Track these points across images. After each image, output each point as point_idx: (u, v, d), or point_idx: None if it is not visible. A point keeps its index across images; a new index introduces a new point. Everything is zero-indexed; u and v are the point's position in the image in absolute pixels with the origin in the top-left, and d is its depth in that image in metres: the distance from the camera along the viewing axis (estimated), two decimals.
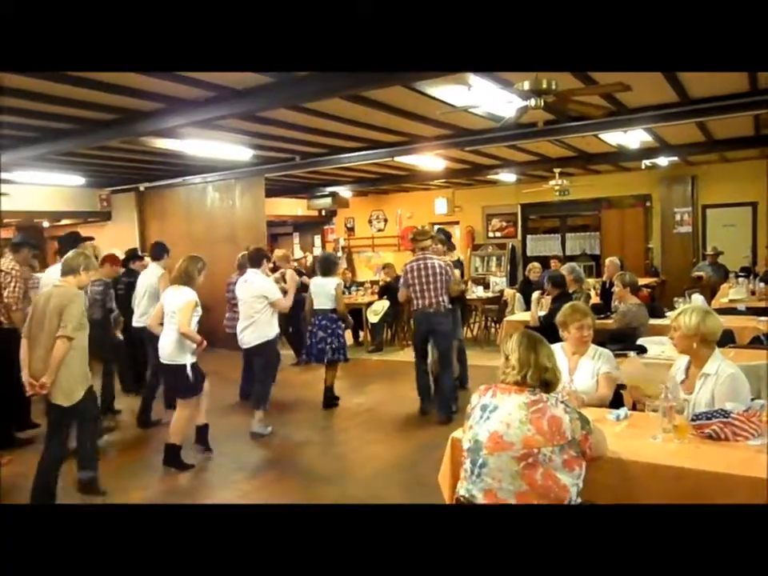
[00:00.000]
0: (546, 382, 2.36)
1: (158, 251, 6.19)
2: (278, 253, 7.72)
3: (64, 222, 11.51)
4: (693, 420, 2.66)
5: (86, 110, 5.63)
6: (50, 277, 5.19)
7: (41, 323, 3.84)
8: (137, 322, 5.99)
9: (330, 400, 6.41)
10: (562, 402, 2.32)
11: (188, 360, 4.66)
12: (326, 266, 6.30)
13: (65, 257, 4.18)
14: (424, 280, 5.77)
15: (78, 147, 6.86)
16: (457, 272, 6.40)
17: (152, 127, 5.92)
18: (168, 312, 4.71)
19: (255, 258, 5.75)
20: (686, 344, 2.98)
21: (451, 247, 7.06)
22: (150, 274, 6.04)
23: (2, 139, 6.67)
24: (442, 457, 2.85)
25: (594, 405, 3.17)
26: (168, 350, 4.69)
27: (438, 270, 5.76)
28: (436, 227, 13.17)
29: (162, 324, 4.80)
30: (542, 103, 3.99)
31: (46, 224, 11.86)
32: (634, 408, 3.39)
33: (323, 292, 6.19)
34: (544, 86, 3.95)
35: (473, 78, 4.99)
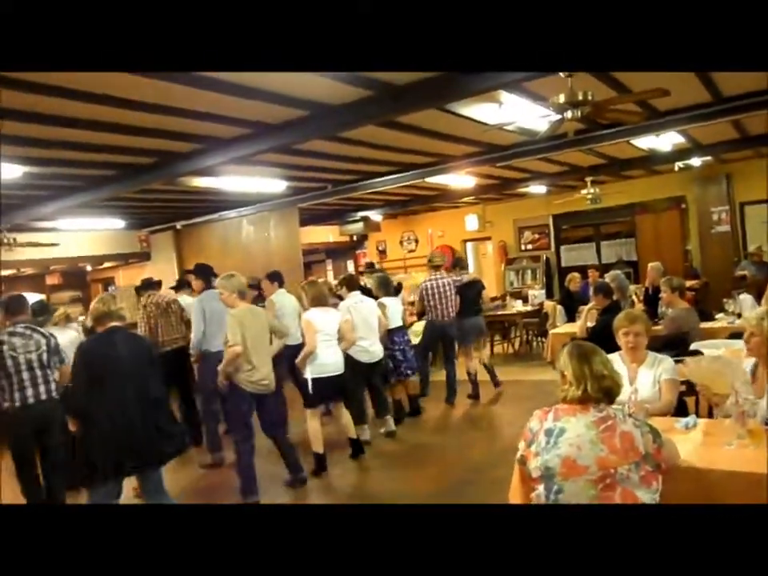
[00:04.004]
0: (607, 390, 2.29)
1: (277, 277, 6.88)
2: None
3: (106, 264, 11.80)
4: (766, 424, 2.60)
5: (124, 155, 5.79)
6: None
7: (261, 338, 4.72)
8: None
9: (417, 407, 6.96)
10: (630, 416, 2.27)
11: (307, 374, 5.18)
12: (391, 286, 6.95)
13: (232, 286, 4.74)
14: (440, 296, 6.93)
15: (120, 192, 7.04)
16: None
17: (190, 167, 6.04)
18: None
19: (355, 283, 6.31)
20: (764, 350, 2.88)
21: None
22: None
23: (49, 190, 6.92)
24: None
25: (658, 413, 3.10)
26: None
27: (449, 288, 6.99)
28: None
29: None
30: (579, 114, 3.98)
31: (88, 268, 12.17)
32: (696, 411, 3.33)
33: (397, 311, 6.67)
34: (580, 97, 3.94)
35: (504, 95, 5.02)
